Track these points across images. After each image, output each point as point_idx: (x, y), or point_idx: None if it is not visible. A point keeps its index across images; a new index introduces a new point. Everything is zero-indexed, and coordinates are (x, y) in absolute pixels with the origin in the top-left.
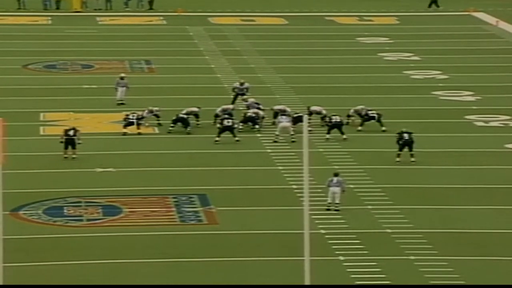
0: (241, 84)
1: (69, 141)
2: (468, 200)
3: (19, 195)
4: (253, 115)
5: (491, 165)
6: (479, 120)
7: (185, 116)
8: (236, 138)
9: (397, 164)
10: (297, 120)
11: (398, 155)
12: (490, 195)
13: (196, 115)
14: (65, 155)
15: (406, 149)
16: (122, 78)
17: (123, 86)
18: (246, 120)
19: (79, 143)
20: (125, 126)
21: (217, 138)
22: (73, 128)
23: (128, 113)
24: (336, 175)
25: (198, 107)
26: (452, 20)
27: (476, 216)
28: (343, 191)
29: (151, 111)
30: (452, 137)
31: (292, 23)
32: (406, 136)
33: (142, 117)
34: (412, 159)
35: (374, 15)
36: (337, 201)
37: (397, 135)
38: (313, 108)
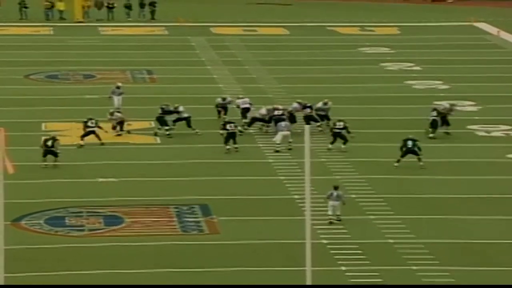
0: (223, 99)
1: (48, 151)
2: (470, 210)
3: (21, 205)
4: (259, 116)
5: (493, 175)
6: (481, 130)
7: (164, 115)
8: (236, 145)
9: (399, 173)
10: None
11: (398, 161)
12: (492, 205)
13: (187, 120)
14: (45, 164)
15: (407, 158)
16: (118, 87)
17: (119, 95)
18: (252, 122)
19: (58, 152)
20: (84, 136)
21: (227, 147)
22: (52, 138)
23: (85, 119)
24: (335, 188)
25: (179, 110)
26: (453, 30)
27: (478, 226)
28: (343, 203)
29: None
30: (454, 147)
31: (294, 33)
32: (410, 143)
33: (123, 122)
34: (421, 163)
35: (376, 25)
36: (337, 213)
37: (402, 142)
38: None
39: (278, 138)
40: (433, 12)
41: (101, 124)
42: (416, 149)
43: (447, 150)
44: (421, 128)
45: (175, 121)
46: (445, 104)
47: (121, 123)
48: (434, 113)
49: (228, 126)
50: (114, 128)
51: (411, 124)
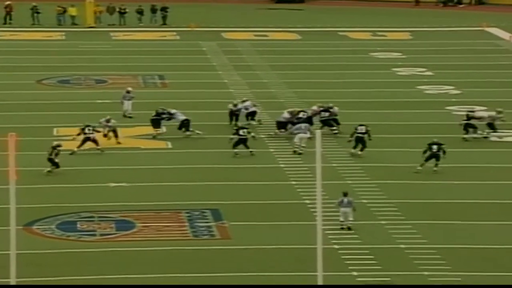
0: (235, 105)
1: (50, 160)
2: (482, 215)
3: (33, 209)
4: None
5: (505, 180)
6: (493, 135)
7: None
8: (250, 150)
9: (410, 179)
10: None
11: (422, 165)
12: (504, 210)
13: (186, 123)
14: (47, 170)
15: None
16: (128, 92)
17: (129, 99)
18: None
19: (57, 162)
20: (83, 143)
21: (236, 151)
22: (54, 147)
23: (83, 126)
24: (345, 195)
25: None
26: (465, 35)
27: (491, 232)
28: (354, 210)
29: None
30: (466, 152)
31: (305, 38)
32: (434, 148)
33: (115, 130)
34: (435, 168)
35: (387, 30)
36: (350, 219)
37: (426, 146)
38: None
39: (296, 140)
40: (445, 17)
41: (99, 129)
42: (440, 153)
43: (459, 155)
44: (433, 133)
45: (179, 128)
46: (490, 111)
47: (114, 131)
48: (466, 118)
49: (241, 132)
50: (105, 135)
51: (423, 129)
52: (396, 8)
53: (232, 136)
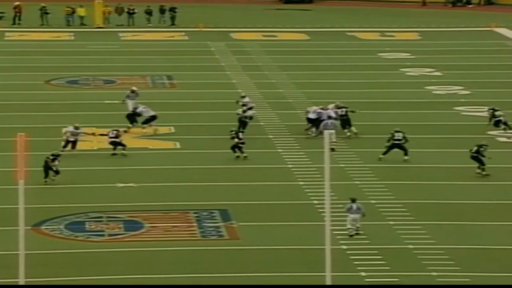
0: (244, 111)
1: (49, 168)
2: (490, 216)
3: (41, 210)
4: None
5: None
6: (502, 135)
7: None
8: (244, 155)
9: (418, 179)
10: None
11: (478, 167)
12: None
13: (148, 119)
14: (45, 180)
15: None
16: (133, 91)
17: (132, 99)
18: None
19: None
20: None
21: (237, 154)
22: (55, 158)
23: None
24: (353, 201)
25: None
26: (474, 35)
27: (499, 233)
28: (363, 215)
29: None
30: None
31: (314, 38)
32: (474, 149)
33: (76, 142)
34: (483, 172)
35: (396, 31)
36: (357, 225)
37: (475, 146)
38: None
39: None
40: (454, 17)
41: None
42: (479, 156)
43: (467, 156)
44: (441, 133)
45: (144, 122)
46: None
47: (74, 142)
48: (501, 112)
49: (240, 135)
50: (65, 146)
51: (431, 129)
52: (405, 8)
53: (232, 134)
